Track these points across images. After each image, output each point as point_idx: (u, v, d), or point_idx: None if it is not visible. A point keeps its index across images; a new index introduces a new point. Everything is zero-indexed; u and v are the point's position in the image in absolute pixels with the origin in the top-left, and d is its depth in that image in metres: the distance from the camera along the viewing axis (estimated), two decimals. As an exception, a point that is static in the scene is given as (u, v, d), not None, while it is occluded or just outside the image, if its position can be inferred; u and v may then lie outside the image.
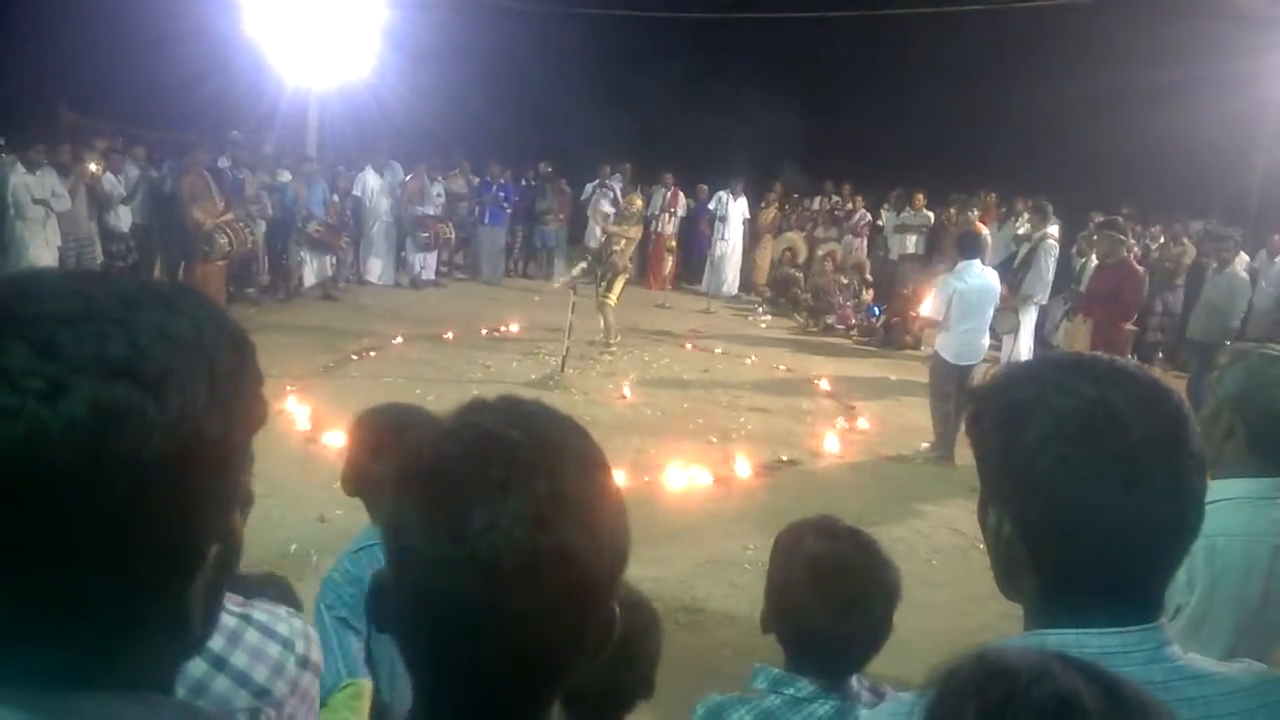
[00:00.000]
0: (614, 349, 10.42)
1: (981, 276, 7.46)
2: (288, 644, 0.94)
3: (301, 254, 12.70)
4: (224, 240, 10.95)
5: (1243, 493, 1.93)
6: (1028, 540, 1.05)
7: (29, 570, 0.60)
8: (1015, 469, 1.04)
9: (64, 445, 0.57)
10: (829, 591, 1.68)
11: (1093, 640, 1.00)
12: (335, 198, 13.35)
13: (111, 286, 0.65)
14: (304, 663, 0.95)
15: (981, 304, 7.39)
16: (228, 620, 0.88)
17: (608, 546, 0.80)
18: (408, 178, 14.60)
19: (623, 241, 10.38)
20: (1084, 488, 0.99)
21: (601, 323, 10.46)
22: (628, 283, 10.92)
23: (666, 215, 16.14)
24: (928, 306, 7.70)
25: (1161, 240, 13.32)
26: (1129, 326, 8.50)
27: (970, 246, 7.59)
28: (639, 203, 11.11)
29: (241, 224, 11.34)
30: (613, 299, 10.35)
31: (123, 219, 11.47)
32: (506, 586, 0.75)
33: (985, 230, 12.05)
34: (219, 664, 0.86)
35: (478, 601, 0.76)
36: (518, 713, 0.83)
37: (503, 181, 15.83)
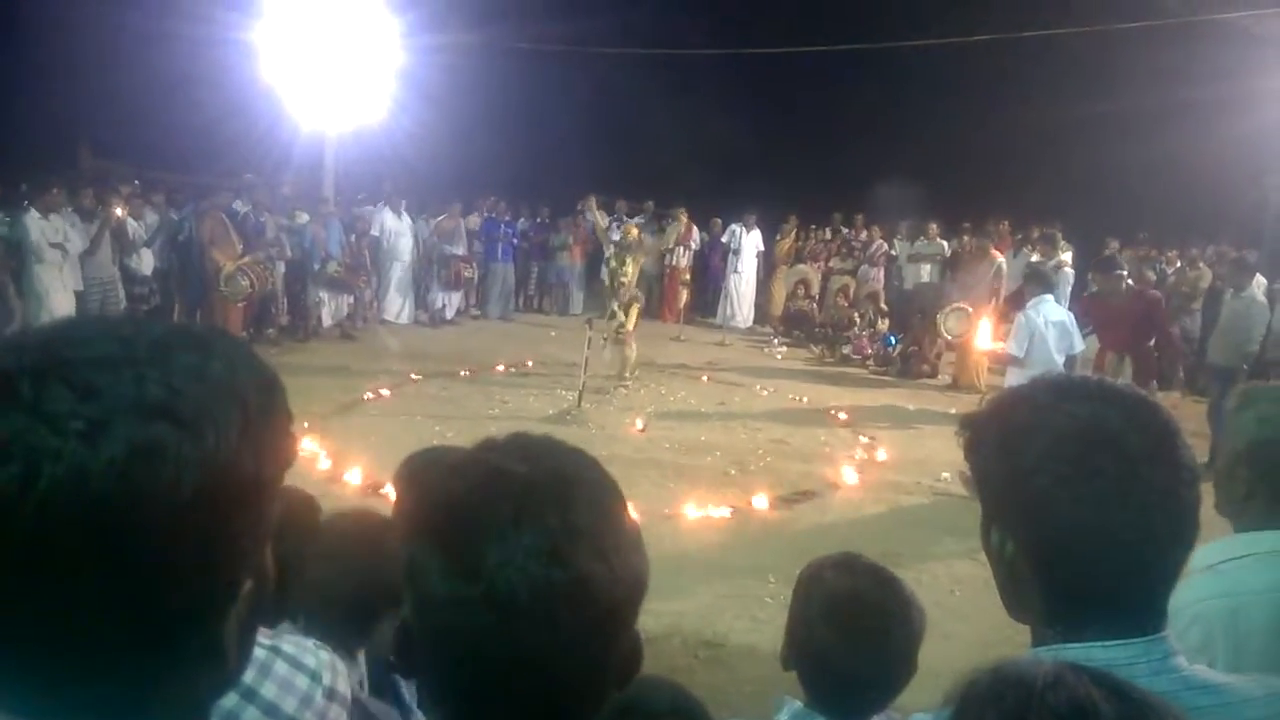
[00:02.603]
0: (629, 383, 10.41)
1: (1059, 312, 7.31)
2: (315, 676, 0.95)
3: (319, 294, 12.84)
4: (246, 282, 11.09)
5: (1269, 546, 1.79)
6: (1030, 558, 1.07)
7: (67, 604, 0.61)
8: (1015, 489, 1.07)
9: (104, 483, 0.59)
10: (845, 628, 1.67)
11: (1098, 654, 1.02)
12: (352, 238, 13.49)
13: (147, 330, 0.67)
14: (331, 694, 0.96)
15: (1059, 342, 7.15)
16: (257, 652, 0.89)
17: (624, 575, 0.80)
18: (441, 217, 14.74)
19: (628, 273, 10.38)
20: (1082, 504, 1.02)
21: (617, 357, 10.46)
22: (641, 314, 10.92)
23: (680, 248, 16.21)
24: (1009, 343, 7.40)
25: (1178, 265, 13.29)
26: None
27: (1043, 282, 7.46)
28: (635, 231, 11.10)
29: (262, 265, 11.48)
30: (628, 331, 10.35)
31: (145, 262, 11.60)
32: (523, 622, 0.76)
33: (1001, 258, 12.18)
34: (249, 695, 0.88)
35: (496, 639, 0.76)
36: None
37: (508, 218, 15.96)
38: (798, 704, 1.73)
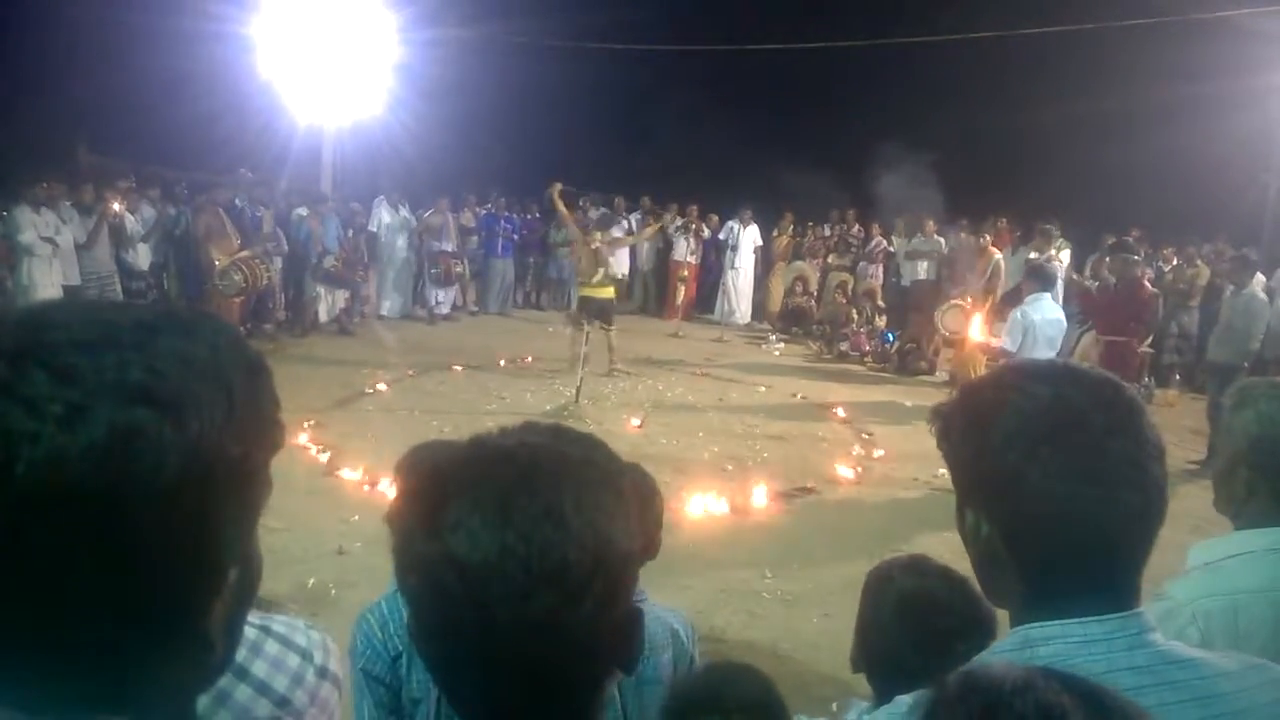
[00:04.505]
0: (623, 370, 10.48)
1: (1055, 310, 7.28)
2: (306, 655, 0.95)
3: (316, 289, 12.83)
4: (239, 277, 11.07)
5: (1267, 544, 1.78)
6: (1004, 538, 1.09)
7: (49, 593, 0.60)
8: (987, 470, 1.09)
9: (84, 468, 0.58)
10: (920, 630, 1.67)
11: (1075, 630, 1.04)
12: (350, 233, 13.48)
13: (130, 313, 0.66)
14: (323, 673, 0.96)
15: (1053, 340, 7.13)
16: (248, 632, 0.90)
17: (585, 539, 0.79)
18: (428, 213, 14.72)
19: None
20: (1052, 480, 1.04)
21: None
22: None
23: (685, 243, 16.19)
24: (1002, 338, 7.32)
25: (1175, 262, 13.28)
26: (1144, 349, 8.47)
27: (1043, 278, 7.43)
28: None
29: (258, 260, 11.46)
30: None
31: (141, 257, 11.60)
32: (477, 581, 0.77)
33: (999, 254, 12.19)
34: (240, 674, 0.88)
35: (458, 599, 0.78)
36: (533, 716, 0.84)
37: (507, 213, 15.95)
38: (864, 704, 1.72)
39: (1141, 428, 1.06)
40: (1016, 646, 1.06)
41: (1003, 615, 1.15)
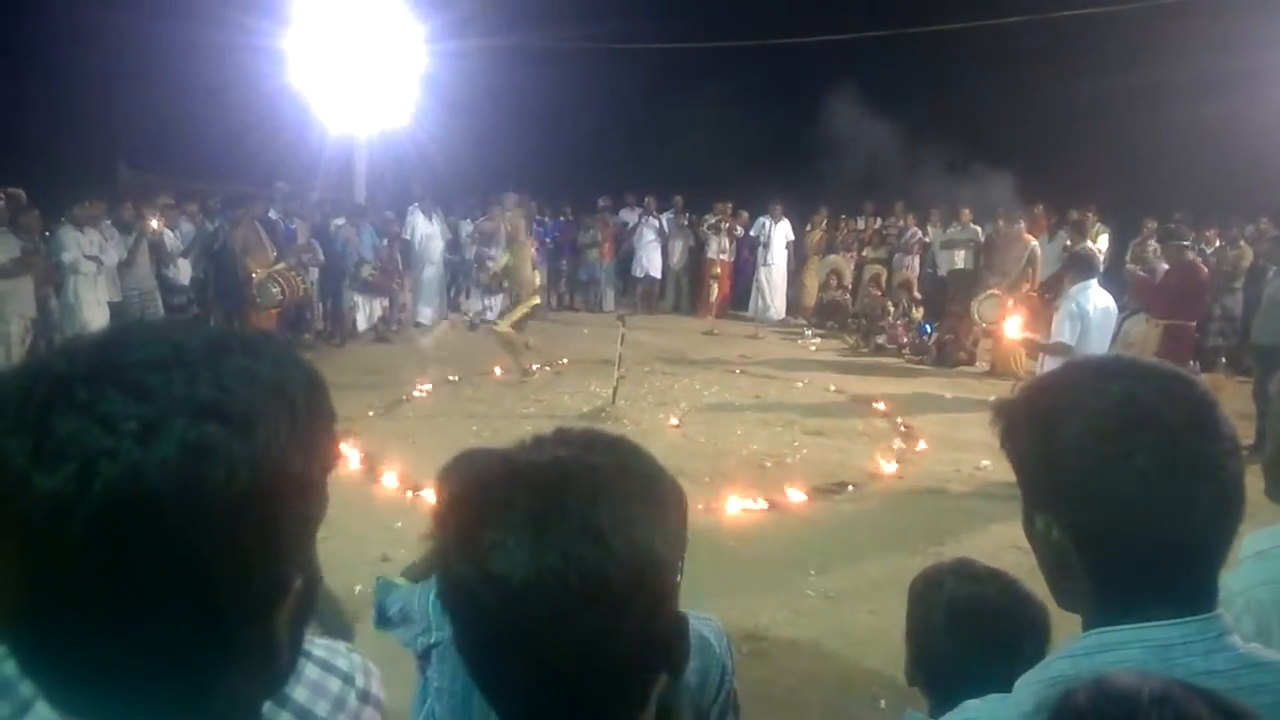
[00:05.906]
0: (526, 378, 10.47)
1: (1105, 297, 6.93)
2: (348, 678, 0.95)
3: (354, 298, 12.97)
4: (276, 289, 11.22)
5: None
6: (1078, 541, 1.05)
7: (125, 604, 0.62)
8: (1056, 472, 1.06)
9: (159, 482, 0.60)
10: (974, 636, 1.64)
11: (1153, 634, 1.01)
12: (384, 242, 13.61)
13: (197, 333, 0.69)
14: (365, 697, 0.96)
15: (1105, 328, 6.83)
16: None
17: (625, 554, 0.79)
18: (481, 219, 14.81)
19: (522, 268, 10.57)
20: (1125, 480, 1.00)
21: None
22: (536, 308, 11.06)
23: (717, 241, 16.15)
24: (1057, 331, 6.92)
25: (1218, 244, 13.06)
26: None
27: (1087, 267, 7.10)
28: (508, 227, 11.35)
29: (294, 272, 11.60)
30: (502, 325, 10.50)
31: (182, 272, 11.77)
32: (518, 600, 0.77)
33: (1034, 242, 12.03)
34: (281, 700, 0.87)
35: (500, 618, 0.78)
36: None
37: (539, 217, 16.00)
38: (921, 717, 1.69)
39: (1216, 422, 1.03)
40: (1091, 651, 1.03)
41: (1057, 616, 1.13)
